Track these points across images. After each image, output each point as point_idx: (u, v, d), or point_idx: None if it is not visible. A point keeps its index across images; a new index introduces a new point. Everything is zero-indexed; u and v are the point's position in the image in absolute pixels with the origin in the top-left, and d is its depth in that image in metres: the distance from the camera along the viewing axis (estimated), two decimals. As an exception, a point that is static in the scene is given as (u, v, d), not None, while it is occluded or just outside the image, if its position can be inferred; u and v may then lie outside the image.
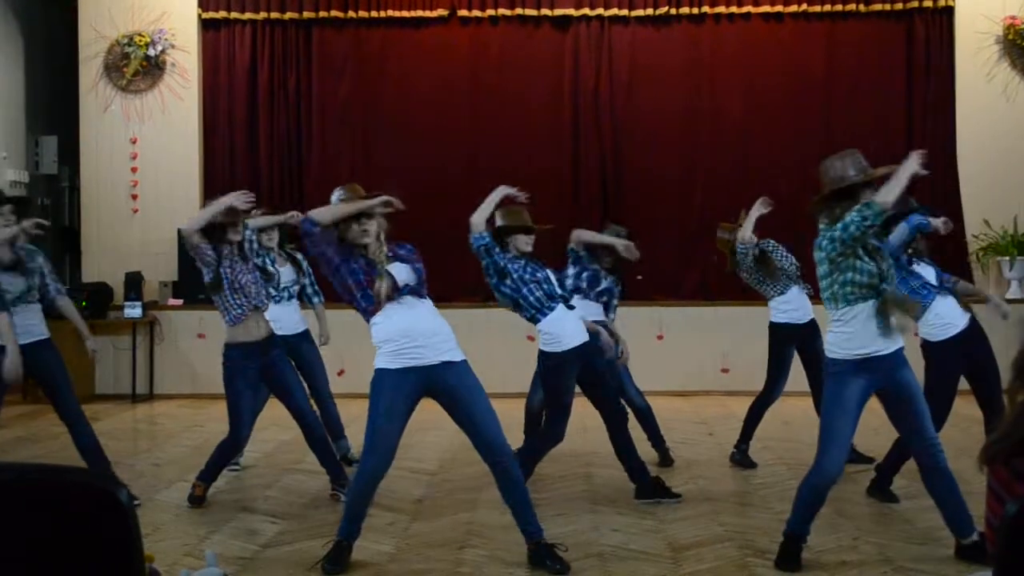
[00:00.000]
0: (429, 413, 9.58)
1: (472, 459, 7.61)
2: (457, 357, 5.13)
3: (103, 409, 10.59)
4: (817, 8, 11.88)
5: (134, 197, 11.99)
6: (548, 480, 7.04)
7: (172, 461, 8.00)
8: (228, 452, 6.61)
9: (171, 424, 9.83)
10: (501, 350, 10.44)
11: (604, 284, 7.24)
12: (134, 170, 11.99)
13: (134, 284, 11.37)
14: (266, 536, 5.84)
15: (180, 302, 11.48)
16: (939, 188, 11.74)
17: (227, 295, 6.23)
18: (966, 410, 8.38)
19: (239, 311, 6.23)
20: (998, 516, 2.33)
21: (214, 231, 6.21)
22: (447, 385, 5.11)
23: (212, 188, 12.13)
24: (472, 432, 5.16)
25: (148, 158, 11.95)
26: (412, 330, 5.04)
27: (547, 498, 6.55)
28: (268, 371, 6.39)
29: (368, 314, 5.11)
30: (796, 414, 8.83)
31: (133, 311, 11.26)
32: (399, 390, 5.06)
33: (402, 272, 5.10)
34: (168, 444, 8.83)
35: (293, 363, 6.82)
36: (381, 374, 5.09)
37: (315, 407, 7.02)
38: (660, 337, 11.28)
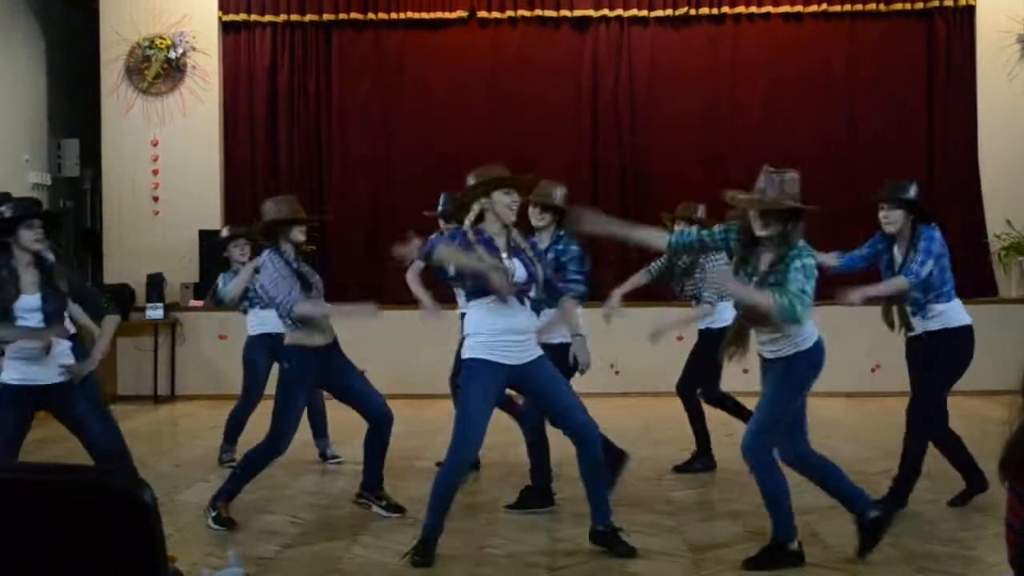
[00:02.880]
0: (442, 414, 9.62)
1: (489, 460, 7.63)
2: (539, 353, 5.33)
3: (125, 410, 10.62)
4: (837, 8, 11.85)
5: (155, 199, 12.05)
6: (568, 480, 7.03)
7: (194, 462, 8.04)
8: (261, 461, 6.15)
9: (193, 425, 9.89)
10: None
11: None
12: (155, 172, 12.05)
13: (156, 286, 11.43)
14: (288, 536, 5.86)
15: (201, 303, 11.52)
16: (960, 187, 11.71)
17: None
18: (987, 411, 8.35)
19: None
20: (1020, 519, 2.32)
21: (279, 229, 6.05)
22: (534, 380, 5.33)
23: (233, 189, 12.21)
24: (559, 414, 5.37)
25: (169, 160, 12.01)
26: (508, 329, 5.18)
27: (567, 497, 6.53)
28: (330, 378, 6.21)
29: (471, 296, 5.25)
30: (816, 417, 8.78)
31: (155, 312, 11.32)
32: (493, 380, 5.22)
33: (518, 270, 5.21)
34: (190, 445, 8.87)
35: None
36: (474, 363, 5.20)
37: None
38: (680, 338, 11.24)
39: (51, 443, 8.58)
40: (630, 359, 10.64)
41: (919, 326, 6.03)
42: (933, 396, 6.02)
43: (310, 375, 6.06)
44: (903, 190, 6.02)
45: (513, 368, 5.23)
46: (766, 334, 5.00)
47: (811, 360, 4.99)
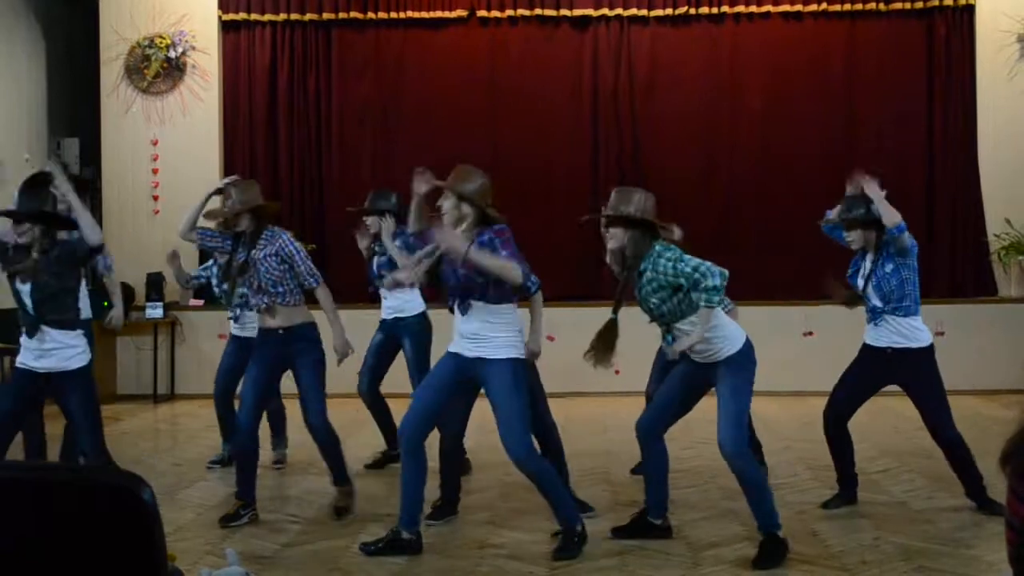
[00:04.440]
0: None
1: (488, 460, 7.63)
2: (488, 355, 5.34)
3: (125, 409, 10.65)
4: (837, 7, 11.84)
5: (155, 198, 12.04)
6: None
7: (193, 461, 8.04)
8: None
9: (192, 424, 9.89)
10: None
11: None
12: (155, 171, 12.04)
13: (155, 285, 11.42)
14: (288, 535, 5.86)
15: (201, 303, 11.51)
16: (960, 187, 11.71)
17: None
18: (987, 410, 8.36)
19: None
20: (1019, 517, 2.33)
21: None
22: (483, 383, 5.42)
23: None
24: (498, 424, 5.44)
25: (169, 159, 12.00)
26: (457, 331, 5.44)
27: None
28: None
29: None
30: (817, 414, 8.78)
31: (154, 312, 11.32)
32: (444, 366, 5.47)
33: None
34: (189, 444, 8.88)
35: None
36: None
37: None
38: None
39: (53, 442, 8.59)
40: (630, 359, 10.61)
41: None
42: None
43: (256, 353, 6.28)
44: None
45: (465, 359, 5.37)
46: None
47: (749, 355, 5.49)
